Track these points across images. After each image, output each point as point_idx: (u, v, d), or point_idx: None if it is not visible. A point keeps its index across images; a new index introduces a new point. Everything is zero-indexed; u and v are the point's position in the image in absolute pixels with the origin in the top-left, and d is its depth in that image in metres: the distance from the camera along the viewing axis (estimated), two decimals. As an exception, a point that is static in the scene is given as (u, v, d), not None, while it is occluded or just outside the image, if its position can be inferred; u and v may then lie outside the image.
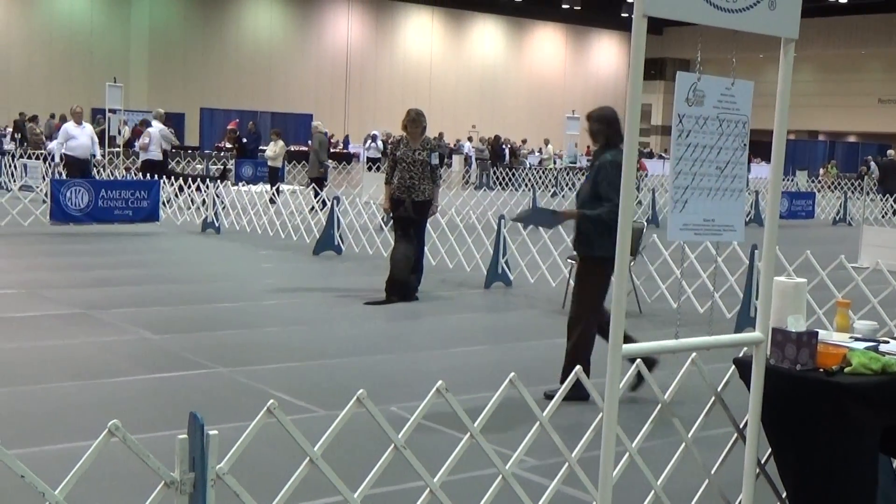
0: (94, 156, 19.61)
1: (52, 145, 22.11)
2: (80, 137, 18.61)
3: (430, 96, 52.46)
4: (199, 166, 30.56)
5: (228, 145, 31.29)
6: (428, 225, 11.13)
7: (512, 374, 3.84)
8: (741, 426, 4.09)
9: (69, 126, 18.95)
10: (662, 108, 61.35)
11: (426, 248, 11.30)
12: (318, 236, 14.81)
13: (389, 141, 29.77)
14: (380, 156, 33.21)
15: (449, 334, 9.17)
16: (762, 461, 4.16)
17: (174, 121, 31.87)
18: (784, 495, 4.13)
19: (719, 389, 4.18)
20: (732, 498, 4.12)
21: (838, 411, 3.73)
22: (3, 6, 43.55)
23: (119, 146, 27.42)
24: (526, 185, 32.12)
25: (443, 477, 3.65)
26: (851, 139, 58.74)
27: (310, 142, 22.87)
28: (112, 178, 21.91)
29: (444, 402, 3.63)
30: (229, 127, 28.31)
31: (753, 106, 3.74)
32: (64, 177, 18.36)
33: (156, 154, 20.42)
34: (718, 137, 3.65)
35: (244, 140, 26.36)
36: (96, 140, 19.60)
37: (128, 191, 16.36)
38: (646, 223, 12.11)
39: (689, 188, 3.60)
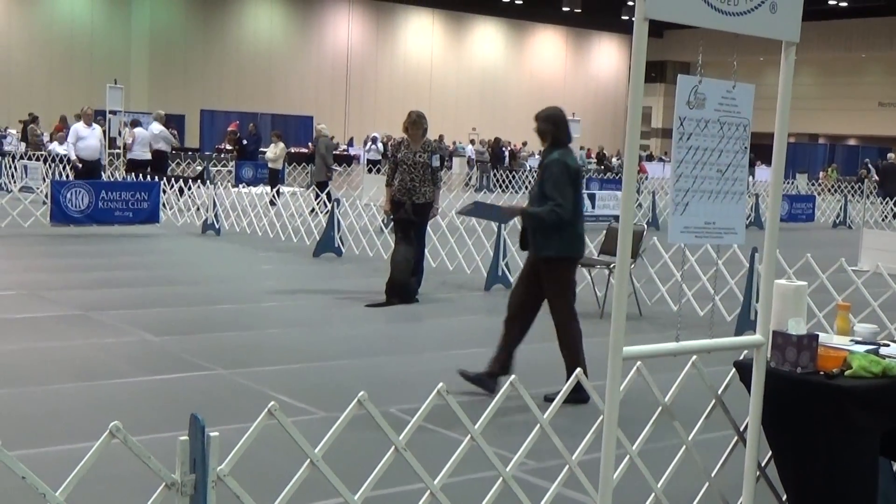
0: (99, 159, 19.57)
1: (54, 146, 22.08)
2: (89, 139, 18.48)
3: (430, 98, 52.42)
4: (198, 168, 30.55)
5: (229, 147, 31.29)
6: (428, 227, 11.14)
7: (513, 376, 3.85)
8: (741, 429, 4.10)
9: (79, 127, 18.72)
10: (663, 110, 61.34)
11: (426, 251, 11.31)
12: (318, 238, 14.82)
13: (390, 143, 29.76)
14: (380, 158, 33.17)
15: (449, 336, 9.17)
16: (762, 464, 4.16)
17: (175, 122, 31.90)
18: (784, 498, 4.14)
19: (720, 392, 4.19)
20: (733, 501, 4.12)
21: (839, 414, 3.73)
22: (3, 7, 43.57)
23: (120, 148, 27.40)
24: (526, 187, 32.08)
25: (443, 479, 3.65)
26: (852, 142, 58.78)
27: (311, 144, 22.86)
28: (112, 180, 21.91)
29: (445, 404, 3.64)
30: (230, 129, 28.33)
31: (754, 109, 3.74)
32: (71, 178, 18.31)
33: (139, 154, 20.40)
34: (719, 140, 3.65)
35: (244, 142, 26.36)
36: (104, 142, 19.56)
37: (128, 192, 16.35)
38: (646, 226, 12.10)
39: (690, 191, 3.60)
